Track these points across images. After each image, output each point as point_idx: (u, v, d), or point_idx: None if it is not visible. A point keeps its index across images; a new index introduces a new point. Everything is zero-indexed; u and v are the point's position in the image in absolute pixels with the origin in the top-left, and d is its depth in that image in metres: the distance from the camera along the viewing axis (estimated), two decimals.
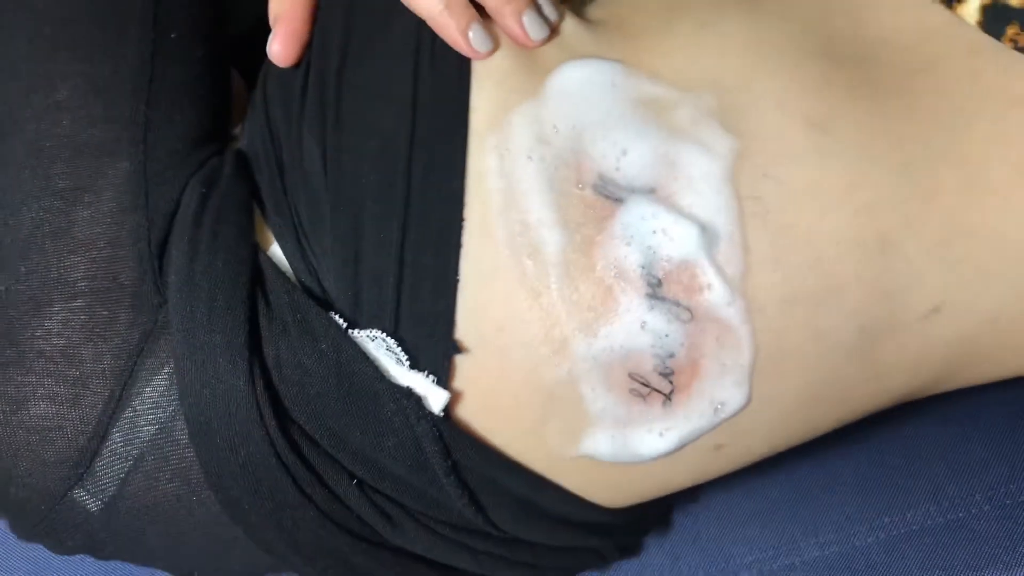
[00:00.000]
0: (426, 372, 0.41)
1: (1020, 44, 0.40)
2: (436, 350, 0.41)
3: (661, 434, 0.41)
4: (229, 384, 0.40)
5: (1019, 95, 0.40)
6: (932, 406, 0.50)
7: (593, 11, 0.47)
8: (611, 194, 0.40)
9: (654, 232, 0.39)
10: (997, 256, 0.40)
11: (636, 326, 0.40)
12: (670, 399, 0.41)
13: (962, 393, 0.47)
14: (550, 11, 0.44)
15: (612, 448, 0.42)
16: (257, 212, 0.45)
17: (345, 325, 0.42)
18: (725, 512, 0.55)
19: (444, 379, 0.41)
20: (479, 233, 0.41)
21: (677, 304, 0.40)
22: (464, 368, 0.42)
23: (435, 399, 0.41)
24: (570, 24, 0.45)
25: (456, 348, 0.41)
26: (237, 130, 0.51)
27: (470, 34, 0.43)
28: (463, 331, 0.41)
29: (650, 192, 0.40)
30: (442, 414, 0.41)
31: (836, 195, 0.39)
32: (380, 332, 0.41)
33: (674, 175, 0.40)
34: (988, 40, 0.40)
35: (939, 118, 0.40)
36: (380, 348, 0.41)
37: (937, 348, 0.42)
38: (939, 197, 0.40)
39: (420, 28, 0.44)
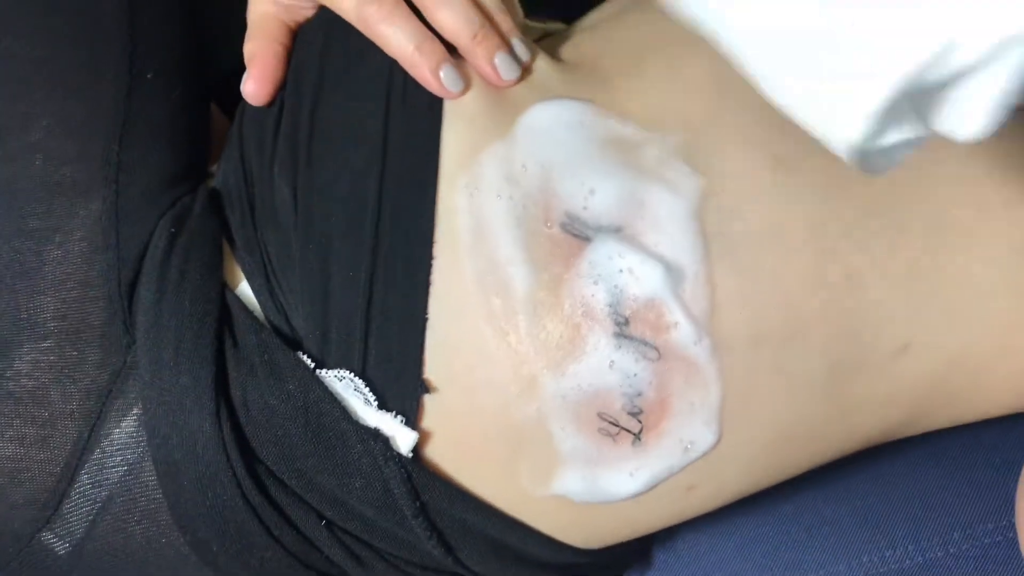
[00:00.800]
0: (394, 412, 0.41)
1: None
2: (405, 390, 0.41)
3: (631, 474, 0.41)
4: (195, 426, 0.40)
5: None
6: (909, 443, 0.50)
7: (565, 52, 0.48)
8: (579, 233, 0.40)
9: (620, 271, 0.40)
10: (963, 295, 0.40)
11: (604, 365, 0.40)
12: (640, 438, 0.41)
13: (939, 430, 0.46)
14: (522, 51, 0.45)
15: (583, 488, 0.42)
16: (227, 250, 0.45)
17: (313, 365, 0.42)
18: (705, 550, 0.55)
19: (413, 419, 0.41)
20: (448, 272, 0.41)
21: (644, 343, 0.40)
22: (433, 408, 0.41)
23: (403, 440, 0.41)
24: (542, 64, 0.45)
25: (425, 388, 0.41)
26: (214, 168, 0.51)
27: (441, 74, 0.43)
28: (432, 370, 0.41)
29: (617, 231, 0.40)
30: (410, 455, 0.41)
31: (802, 233, 0.40)
32: (348, 372, 0.41)
33: (641, 214, 0.40)
34: None
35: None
36: (348, 388, 0.41)
37: (906, 388, 0.42)
38: (905, 235, 0.40)
39: (392, 68, 0.44)
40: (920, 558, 0.51)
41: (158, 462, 0.41)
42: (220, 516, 0.41)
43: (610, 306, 0.40)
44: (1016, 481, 0.45)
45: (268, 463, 0.41)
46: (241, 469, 0.41)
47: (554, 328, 0.40)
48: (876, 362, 0.41)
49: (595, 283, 0.40)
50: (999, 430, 0.52)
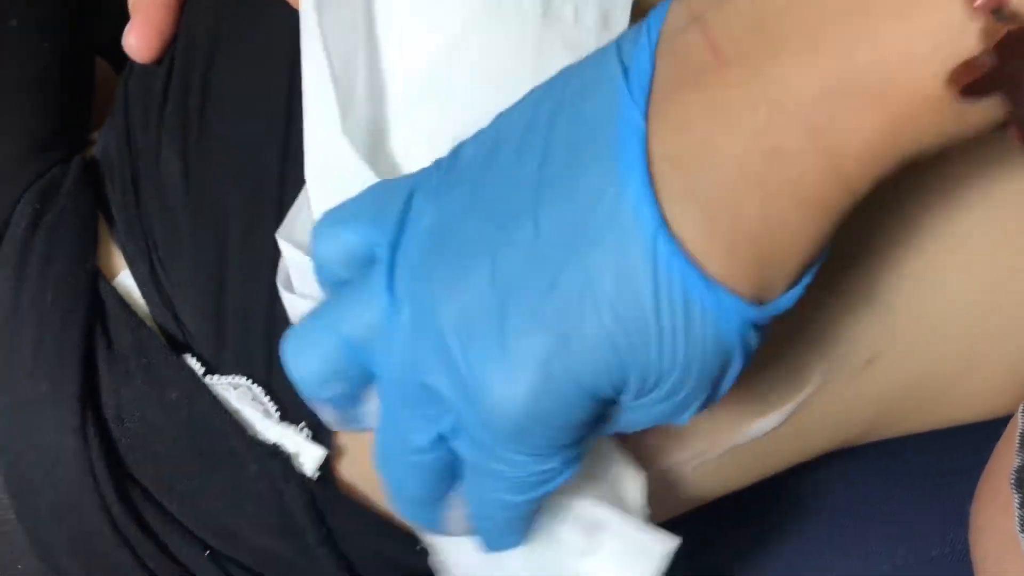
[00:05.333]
0: (301, 425, 0.36)
1: None
2: None
3: None
4: (55, 442, 0.34)
5: None
6: (853, 449, 0.47)
7: None
8: None
9: None
10: (936, 305, 0.36)
11: None
12: None
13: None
14: None
15: None
16: (106, 233, 0.39)
17: (203, 370, 0.36)
18: None
19: (329, 432, 0.36)
20: None
21: None
22: None
23: (309, 457, 0.36)
24: None
25: None
26: (96, 134, 0.45)
27: None
28: None
29: None
30: (317, 475, 0.36)
31: None
32: (245, 379, 0.36)
33: None
34: None
35: None
36: (245, 398, 0.36)
37: (867, 403, 0.38)
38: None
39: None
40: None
41: (11, 481, 0.35)
42: (85, 546, 0.35)
43: None
44: (968, 491, 0.43)
45: (145, 484, 0.36)
46: (111, 494, 0.35)
47: None
48: (838, 378, 0.37)
49: None
50: (950, 433, 0.50)
